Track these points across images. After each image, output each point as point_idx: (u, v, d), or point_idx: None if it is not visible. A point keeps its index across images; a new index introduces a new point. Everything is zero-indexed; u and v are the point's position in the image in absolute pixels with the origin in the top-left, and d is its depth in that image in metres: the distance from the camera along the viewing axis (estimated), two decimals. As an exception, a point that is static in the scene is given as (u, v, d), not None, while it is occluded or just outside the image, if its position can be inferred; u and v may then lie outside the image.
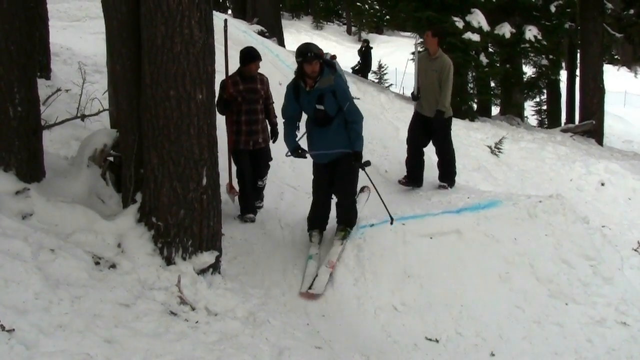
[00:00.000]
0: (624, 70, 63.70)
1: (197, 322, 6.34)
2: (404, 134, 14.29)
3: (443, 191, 11.24)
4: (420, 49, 12.75)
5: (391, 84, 34.48)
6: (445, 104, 11.14)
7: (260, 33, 21.86)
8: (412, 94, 11.68)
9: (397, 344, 7.31)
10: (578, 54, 26.39)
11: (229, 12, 40.15)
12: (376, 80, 32.87)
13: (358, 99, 15.35)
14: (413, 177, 11.63)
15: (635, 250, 12.11)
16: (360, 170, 8.68)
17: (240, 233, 8.69)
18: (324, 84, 8.25)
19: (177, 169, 6.84)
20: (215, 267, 7.32)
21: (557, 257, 8.89)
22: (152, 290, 6.51)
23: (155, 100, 6.71)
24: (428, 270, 8.28)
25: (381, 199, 8.74)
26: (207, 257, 7.16)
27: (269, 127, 9.86)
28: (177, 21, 6.57)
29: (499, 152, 15.86)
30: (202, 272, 7.10)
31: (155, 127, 6.78)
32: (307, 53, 8.05)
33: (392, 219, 8.60)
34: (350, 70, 25.24)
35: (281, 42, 24.49)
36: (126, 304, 6.10)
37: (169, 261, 6.93)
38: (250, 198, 9.71)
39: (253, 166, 9.69)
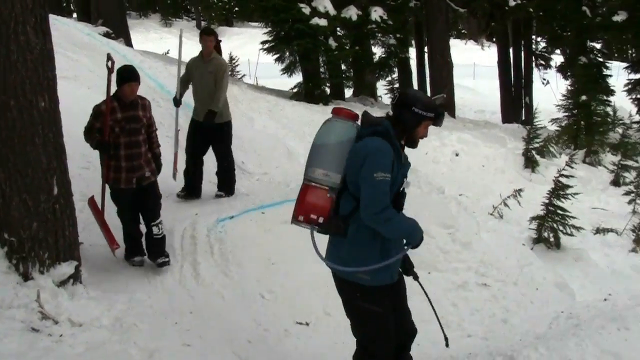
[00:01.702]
0: (471, 43, 65.73)
1: (61, 335, 6.21)
2: (258, 123, 14.42)
3: (299, 176, 11.28)
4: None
5: (244, 75, 34.39)
6: (219, 105, 10.60)
7: (106, 35, 21.42)
8: (174, 99, 10.97)
9: (267, 332, 7.34)
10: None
11: (74, 15, 39.16)
12: (228, 73, 32.69)
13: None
14: (189, 188, 10.83)
15: (491, 214, 12.52)
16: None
17: (100, 239, 8.50)
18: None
19: (26, 181, 6.64)
20: (75, 277, 7.15)
21: (417, 229, 9.12)
22: (10, 309, 6.33)
23: (-5, 111, 6.51)
24: (292, 255, 8.33)
25: (436, 315, 6.04)
26: (66, 268, 6.99)
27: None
28: (12, 28, 6.35)
29: (356, 132, 16.03)
30: (62, 283, 6.93)
31: (-2, 139, 6.58)
32: (441, 111, 5.41)
33: (446, 339, 5.94)
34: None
35: (128, 43, 24.12)
36: (-17, 327, 5.93)
37: (26, 277, 6.73)
38: (137, 237, 8.35)
39: (142, 207, 8.25)
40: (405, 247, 5.41)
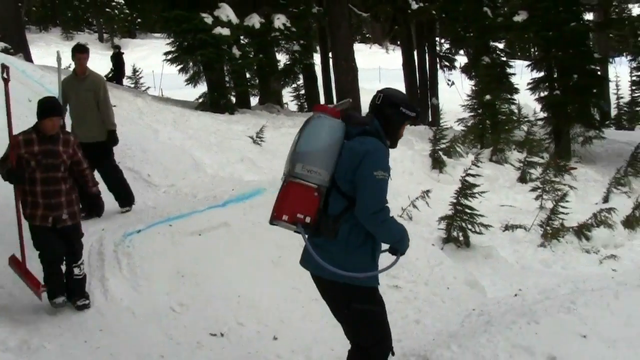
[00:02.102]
0: (376, 47, 66.52)
1: (-36, 361, 6.03)
2: (164, 135, 14.24)
3: (206, 187, 11.24)
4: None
5: (149, 87, 34.12)
6: (113, 122, 10.33)
7: (4, 50, 21.00)
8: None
9: (180, 345, 7.23)
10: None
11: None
12: (132, 85, 32.35)
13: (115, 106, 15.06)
14: (89, 206, 9.94)
15: (400, 216, 12.62)
16: None
17: (3, 260, 8.28)
18: None
19: None
20: (-23, 300, 6.98)
21: (324, 234, 9.13)
22: None
23: None
24: (202, 267, 8.26)
25: None
26: (-33, 292, 6.80)
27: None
28: None
29: (261, 141, 16.11)
30: (-37, 308, 6.75)
31: None
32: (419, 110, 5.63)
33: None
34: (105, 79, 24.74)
35: (28, 58, 23.69)
36: None
37: None
38: (59, 277, 7.57)
39: (64, 248, 7.56)
40: (397, 255, 5.32)
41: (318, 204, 5.05)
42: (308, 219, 5.02)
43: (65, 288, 7.59)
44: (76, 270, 7.58)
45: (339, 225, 5.04)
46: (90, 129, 10.22)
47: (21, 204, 7.45)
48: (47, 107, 7.36)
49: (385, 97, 5.23)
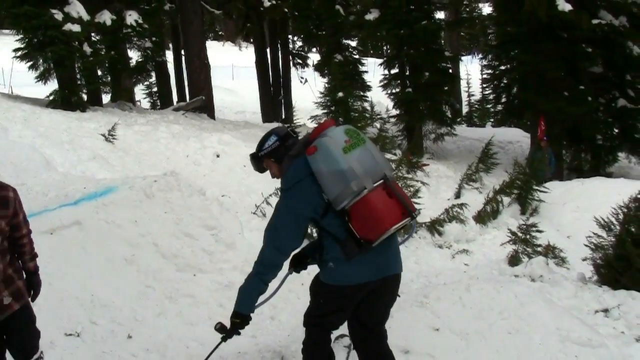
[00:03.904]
0: (229, 45, 66.46)
1: None
2: (13, 133, 13.92)
3: (58, 185, 11.08)
4: None
5: (-4, 85, 33.25)
6: None
7: None
8: None
9: (33, 346, 7.17)
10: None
11: None
12: None
13: None
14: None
15: (254, 213, 12.76)
16: None
17: None
18: None
19: None
20: None
21: (179, 232, 9.14)
22: None
23: None
24: (54, 266, 8.10)
25: None
26: None
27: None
28: None
29: (114, 138, 16.00)
30: None
31: None
32: None
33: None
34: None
35: None
36: None
37: None
38: None
39: (10, 347, 5.45)
40: None
41: None
42: None
43: None
44: None
45: None
46: None
47: None
48: None
49: None
